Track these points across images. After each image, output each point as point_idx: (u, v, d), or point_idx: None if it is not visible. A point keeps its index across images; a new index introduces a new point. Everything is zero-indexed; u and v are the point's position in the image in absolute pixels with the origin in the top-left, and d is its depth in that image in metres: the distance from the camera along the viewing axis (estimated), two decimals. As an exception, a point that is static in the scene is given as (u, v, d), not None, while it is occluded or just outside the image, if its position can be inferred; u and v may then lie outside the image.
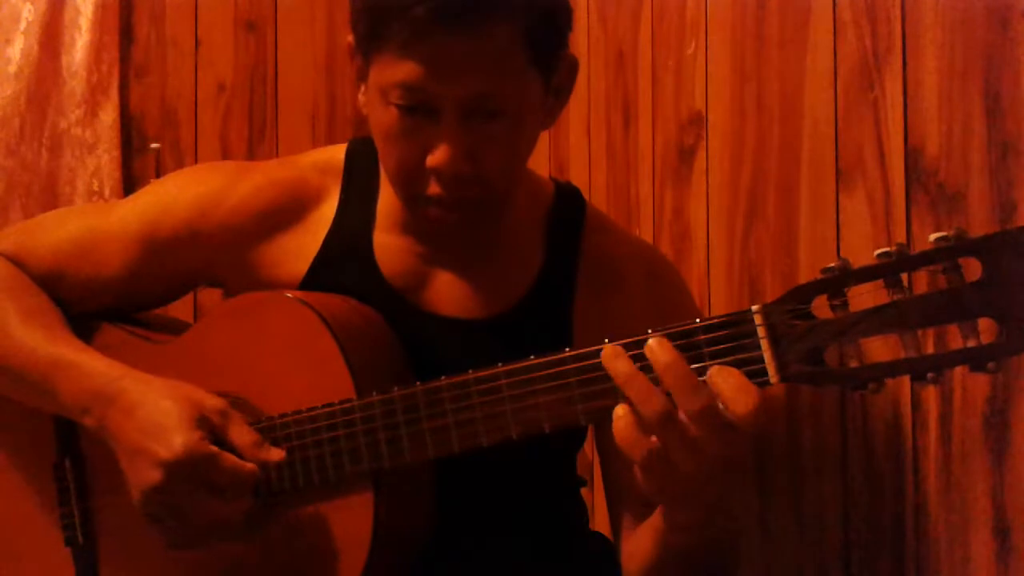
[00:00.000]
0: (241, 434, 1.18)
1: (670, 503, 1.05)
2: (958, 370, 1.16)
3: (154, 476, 1.16)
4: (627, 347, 0.99)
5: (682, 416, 0.94)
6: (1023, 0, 1.13)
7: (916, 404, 1.25)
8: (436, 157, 1.16)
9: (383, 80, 1.16)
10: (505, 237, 1.30)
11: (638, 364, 0.97)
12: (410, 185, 1.21)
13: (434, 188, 1.18)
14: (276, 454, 1.18)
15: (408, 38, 1.12)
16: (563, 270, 1.30)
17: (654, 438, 0.96)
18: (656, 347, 0.96)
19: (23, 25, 2.30)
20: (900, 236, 1.26)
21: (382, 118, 1.18)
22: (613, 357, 0.98)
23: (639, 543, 1.19)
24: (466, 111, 1.15)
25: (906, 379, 1.12)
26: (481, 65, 1.13)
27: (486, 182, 1.19)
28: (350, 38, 1.22)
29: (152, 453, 1.16)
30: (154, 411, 1.18)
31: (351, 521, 1.17)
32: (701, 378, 0.95)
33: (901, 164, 1.26)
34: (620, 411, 0.97)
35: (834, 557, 1.37)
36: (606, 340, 1.02)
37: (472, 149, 1.16)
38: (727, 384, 0.94)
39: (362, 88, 1.23)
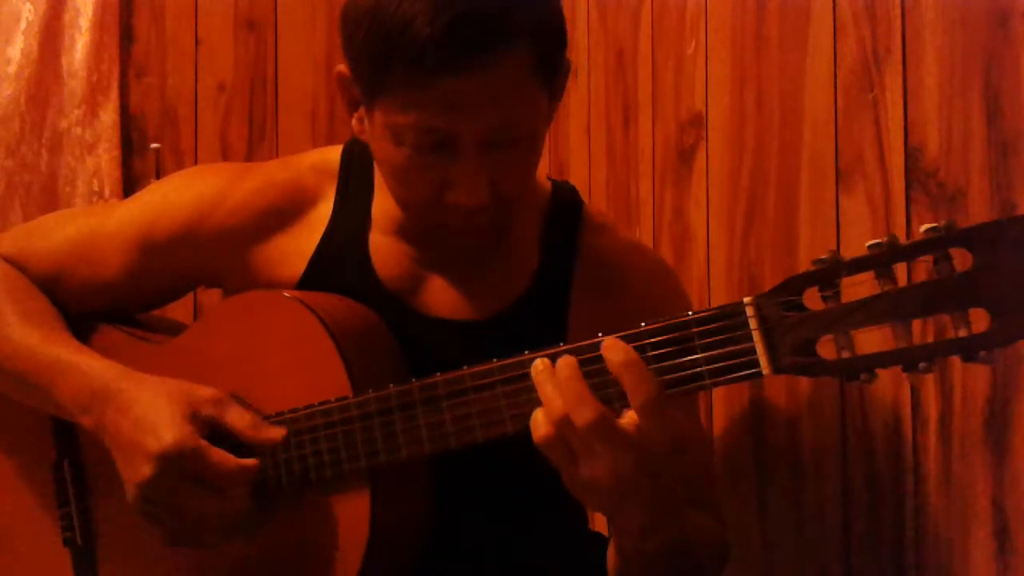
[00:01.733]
0: (238, 418, 1.18)
1: (599, 509, 1.07)
2: (958, 370, 1.17)
3: (145, 470, 1.16)
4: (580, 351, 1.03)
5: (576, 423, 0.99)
6: (1023, 0, 1.13)
7: (916, 404, 1.25)
8: (458, 194, 1.15)
9: (393, 122, 1.14)
10: (501, 238, 1.30)
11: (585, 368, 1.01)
12: (427, 217, 1.20)
13: (454, 219, 1.18)
14: (276, 432, 1.18)
15: (419, 83, 1.10)
16: (559, 271, 1.30)
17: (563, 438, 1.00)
18: (560, 362, 1.02)
19: (23, 25, 2.31)
20: (900, 236, 1.26)
21: (392, 156, 1.17)
22: (538, 363, 1.03)
23: (610, 550, 1.19)
24: (485, 144, 1.13)
25: (906, 380, 1.12)
26: (497, 97, 1.11)
27: (504, 203, 1.19)
28: (342, 68, 1.20)
29: (143, 447, 1.16)
30: (148, 408, 1.18)
31: (348, 520, 1.17)
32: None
33: (901, 164, 1.26)
34: (538, 413, 1.01)
35: (834, 557, 1.37)
36: (600, 334, 1.03)
37: (492, 179, 1.15)
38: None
39: (356, 115, 1.21)
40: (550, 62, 1.16)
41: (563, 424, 0.99)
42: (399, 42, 1.09)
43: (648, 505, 1.03)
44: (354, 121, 1.22)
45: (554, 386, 1.00)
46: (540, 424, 1.00)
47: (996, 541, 1.16)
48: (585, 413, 0.98)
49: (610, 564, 1.18)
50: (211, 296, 1.59)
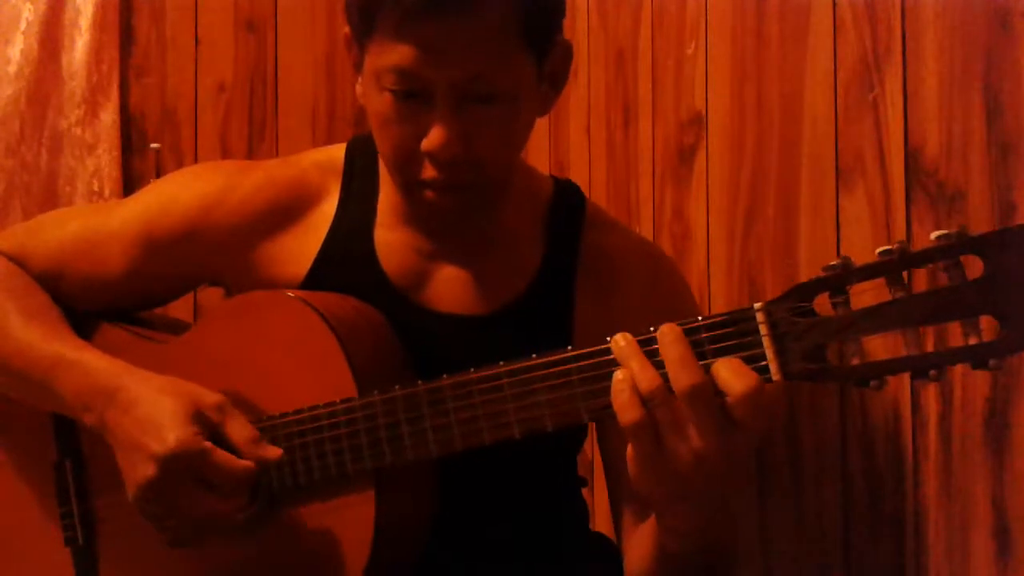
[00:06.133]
0: (239, 430, 1.18)
1: (664, 503, 1.05)
2: (958, 370, 1.17)
3: (147, 471, 1.16)
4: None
5: (675, 392, 0.95)
6: (1023, 0, 1.13)
7: (916, 404, 1.25)
8: (430, 140, 1.16)
9: (377, 65, 1.17)
10: (505, 233, 1.30)
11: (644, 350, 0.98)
12: (405, 170, 1.21)
13: (429, 172, 1.19)
14: (273, 452, 1.17)
15: (400, 22, 1.13)
16: (563, 266, 1.30)
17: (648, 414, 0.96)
18: (665, 328, 0.97)
19: (23, 25, 2.31)
20: (900, 236, 1.26)
21: (377, 104, 1.19)
22: (620, 338, 0.99)
23: (639, 545, 1.19)
24: (459, 94, 1.15)
25: (906, 379, 1.12)
26: (473, 47, 1.13)
27: (480, 166, 1.19)
28: (347, 28, 1.22)
29: (146, 448, 1.16)
30: (151, 407, 1.18)
31: (353, 520, 1.17)
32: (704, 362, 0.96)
33: (901, 164, 1.26)
34: (620, 375, 0.98)
35: (834, 557, 1.37)
36: (608, 339, 1.02)
37: (466, 132, 1.16)
38: (726, 369, 0.95)
39: (359, 78, 1.23)
40: (537, 26, 1.17)
41: (656, 396, 0.95)
42: None
43: (708, 502, 1.01)
44: (357, 84, 1.25)
45: (640, 361, 0.97)
46: (626, 401, 0.96)
47: (996, 541, 1.16)
48: (690, 376, 0.94)
49: (637, 565, 1.17)
50: (210, 295, 1.59)
